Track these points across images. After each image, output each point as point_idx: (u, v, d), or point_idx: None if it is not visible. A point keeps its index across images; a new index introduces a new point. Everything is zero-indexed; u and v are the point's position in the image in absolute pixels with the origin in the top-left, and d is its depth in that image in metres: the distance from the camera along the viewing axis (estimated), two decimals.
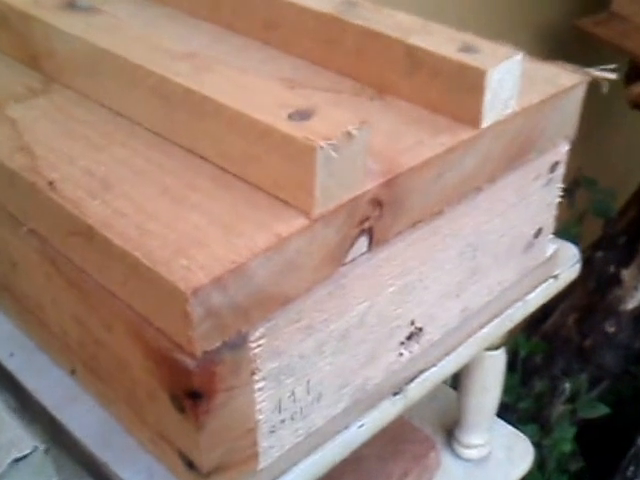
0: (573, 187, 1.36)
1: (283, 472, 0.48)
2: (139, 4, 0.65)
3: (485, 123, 0.48)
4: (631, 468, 1.29)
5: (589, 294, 1.42)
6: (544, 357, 1.42)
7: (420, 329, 0.53)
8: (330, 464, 0.50)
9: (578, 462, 1.33)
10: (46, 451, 0.44)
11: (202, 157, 0.46)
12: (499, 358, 0.71)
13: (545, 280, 0.63)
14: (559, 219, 0.62)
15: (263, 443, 0.45)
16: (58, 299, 0.50)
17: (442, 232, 0.50)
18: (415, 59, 0.49)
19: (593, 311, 1.42)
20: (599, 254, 1.42)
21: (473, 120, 0.48)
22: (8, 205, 0.50)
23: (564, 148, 0.57)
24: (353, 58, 0.53)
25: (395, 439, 0.74)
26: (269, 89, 0.44)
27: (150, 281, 0.39)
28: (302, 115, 0.41)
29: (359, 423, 0.52)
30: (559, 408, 1.33)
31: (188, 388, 0.40)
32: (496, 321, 0.60)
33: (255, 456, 0.45)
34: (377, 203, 0.44)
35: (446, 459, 0.76)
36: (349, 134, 0.40)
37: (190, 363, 0.39)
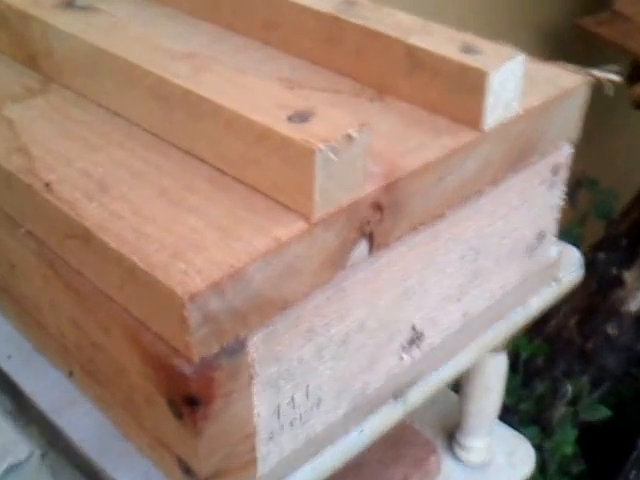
0: (575, 188, 1.35)
1: (282, 478, 0.47)
2: (138, 3, 0.65)
3: (487, 125, 0.48)
4: (633, 472, 1.29)
5: (591, 296, 1.41)
6: (545, 359, 1.41)
7: (421, 333, 0.53)
8: (330, 470, 0.50)
9: (579, 465, 1.32)
10: (42, 456, 0.44)
11: (200, 159, 0.45)
12: (501, 361, 0.70)
13: (548, 284, 0.63)
14: (561, 220, 0.61)
15: (262, 449, 0.45)
16: (55, 301, 0.50)
17: (443, 236, 0.50)
18: (415, 59, 0.49)
19: (595, 313, 1.41)
20: (601, 255, 1.41)
21: (474, 122, 0.48)
22: (5, 206, 0.49)
23: (567, 150, 0.56)
24: (353, 58, 0.52)
25: (396, 443, 0.74)
26: (268, 90, 0.44)
27: (147, 285, 0.38)
28: (301, 117, 0.41)
29: (359, 428, 0.51)
30: (560, 410, 1.32)
31: (185, 394, 0.39)
32: (498, 325, 0.60)
33: (254, 462, 0.45)
34: (377, 207, 0.43)
35: (447, 463, 0.76)
36: (349, 137, 0.40)
37: (187, 369, 0.38)
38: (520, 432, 0.79)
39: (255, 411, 0.43)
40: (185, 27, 0.60)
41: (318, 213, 0.40)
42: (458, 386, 0.74)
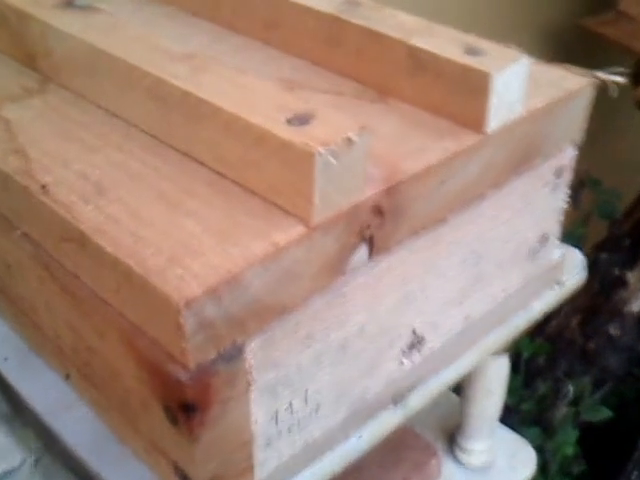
0: (578, 188, 1.34)
1: None
2: (139, 3, 0.64)
3: (490, 128, 0.47)
4: (635, 472, 1.28)
5: (593, 296, 1.41)
6: (547, 359, 1.41)
7: (422, 338, 0.52)
8: (329, 476, 0.49)
9: (580, 465, 1.32)
10: (36, 463, 0.43)
11: (199, 161, 0.45)
12: (502, 364, 0.70)
13: (550, 287, 0.62)
14: (564, 220, 0.60)
15: (259, 455, 0.44)
16: (51, 303, 0.49)
17: (445, 240, 0.49)
18: (418, 61, 0.48)
19: (597, 313, 1.41)
20: (604, 256, 1.41)
21: (477, 125, 0.47)
22: (1, 208, 0.49)
23: (571, 153, 0.56)
24: (355, 59, 0.52)
25: (396, 446, 0.73)
26: (268, 92, 0.43)
27: (142, 290, 0.37)
28: (301, 119, 0.40)
29: (358, 434, 0.51)
30: (562, 411, 1.32)
31: (181, 400, 0.39)
32: (500, 329, 0.59)
33: (251, 468, 0.44)
34: (378, 211, 0.43)
35: (447, 466, 0.75)
36: (349, 140, 0.39)
37: (183, 375, 0.38)
38: (521, 432, 0.79)
39: (252, 417, 0.42)
40: (185, 27, 0.60)
41: (317, 217, 0.40)
42: (459, 388, 0.73)
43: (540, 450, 1.16)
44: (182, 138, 0.45)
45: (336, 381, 0.47)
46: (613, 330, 1.39)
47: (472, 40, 0.48)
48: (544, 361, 1.41)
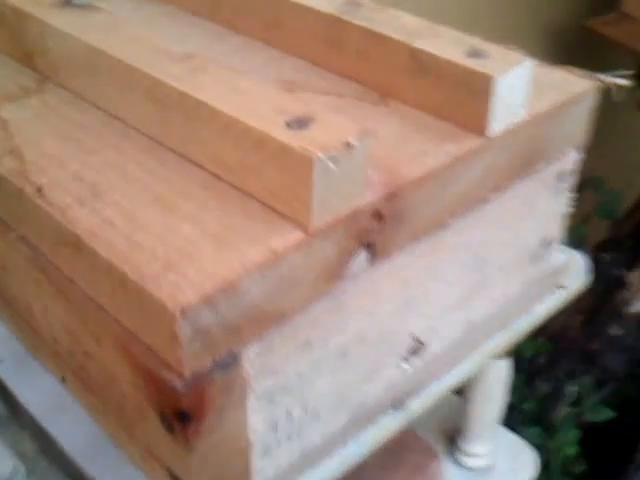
0: (580, 188, 1.34)
1: None
2: (139, 2, 0.63)
3: (492, 132, 0.46)
4: (637, 474, 1.28)
5: (595, 296, 1.40)
6: (549, 359, 1.40)
7: (422, 343, 0.52)
8: None
9: (581, 465, 1.32)
10: (29, 473, 0.43)
11: (196, 164, 0.44)
12: (504, 367, 0.69)
13: (552, 291, 0.62)
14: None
15: (257, 463, 0.44)
16: (48, 307, 0.48)
17: (446, 245, 0.49)
18: (420, 63, 0.47)
19: (599, 313, 1.40)
20: (605, 256, 1.40)
21: (480, 128, 0.46)
22: None
23: (574, 157, 0.55)
24: (356, 60, 0.51)
25: (397, 448, 0.73)
26: (267, 94, 0.42)
27: (137, 297, 0.37)
28: (300, 123, 0.39)
29: (358, 439, 0.50)
30: (563, 410, 1.31)
31: (177, 409, 0.38)
32: (501, 333, 0.59)
33: (248, 477, 0.44)
34: (378, 216, 0.42)
35: (448, 468, 0.75)
36: (349, 144, 0.38)
37: (178, 383, 0.37)
38: (522, 432, 0.78)
39: (250, 426, 0.42)
40: (185, 26, 0.59)
41: (316, 223, 0.39)
42: (460, 390, 0.72)
43: (541, 450, 1.16)
44: (180, 140, 0.44)
45: (335, 387, 0.47)
46: (614, 330, 1.39)
47: (475, 42, 0.48)
48: (545, 361, 1.41)
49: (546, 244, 0.58)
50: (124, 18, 0.51)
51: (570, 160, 0.55)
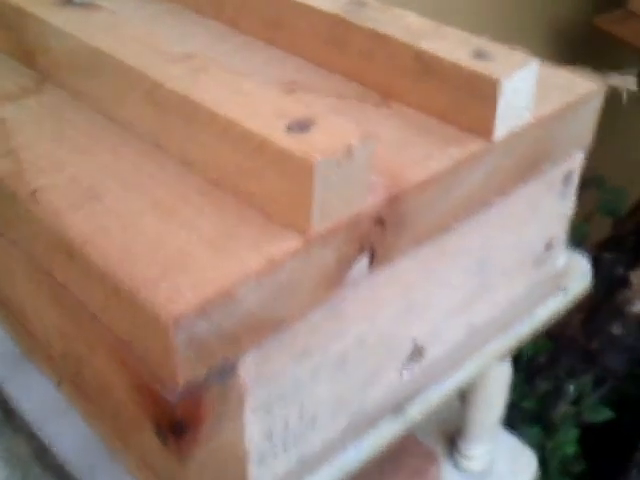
0: (582, 186, 1.33)
1: None
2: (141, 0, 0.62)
3: (497, 134, 0.45)
4: (635, 473, 1.28)
5: (596, 295, 1.39)
6: (549, 357, 1.40)
7: (423, 347, 0.51)
8: None
9: (580, 464, 1.31)
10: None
11: (195, 168, 0.43)
12: (505, 369, 0.68)
13: (555, 294, 0.61)
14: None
15: (253, 472, 0.43)
16: (42, 310, 0.48)
17: (449, 248, 0.48)
18: (424, 64, 0.46)
19: (599, 312, 1.40)
20: (607, 255, 1.39)
21: (484, 131, 0.45)
22: None
23: (579, 158, 0.54)
24: (359, 61, 0.50)
25: (396, 452, 0.72)
26: (267, 96, 0.41)
27: (131, 305, 0.36)
28: (301, 126, 0.38)
29: (357, 445, 0.49)
30: (563, 409, 1.31)
31: (171, 420, 0.37)
32: (503, 336, 0.58)
33: None
34: (379, 221, 0.41)
35: (447, 471, 0.74)
36: (350, 148, 0.37)
37: (173, 395, 0.36)
38: (522, 430, 0.78)
39: (246, 435, 0.41)
40: (187, 25, 0.58)
41: (316, 228, 0.38)
42: (461, 392, 0.72)
43: (540, 448, 1.16)
44: (178, 144, 0.43)
45: (334, 394, 0.46)
46: (615, 330, 1.39)
47: (481, 43, 0.47)
48: (545, 359, 1.40)
49: (549, 247, 0.57)
50: (125, 17, 0.50)
51: (576, 162, 0.54)
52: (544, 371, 1.39)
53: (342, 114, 0.47)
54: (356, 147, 0.38)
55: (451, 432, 0.76)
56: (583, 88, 0.51)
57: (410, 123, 0.47)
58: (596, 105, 0.52)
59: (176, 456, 0.38)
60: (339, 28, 0.50)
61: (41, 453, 0.50)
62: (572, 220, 0.59)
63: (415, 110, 0.48)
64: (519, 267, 0.56)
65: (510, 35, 0.49)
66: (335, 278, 0.40)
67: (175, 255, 0.37)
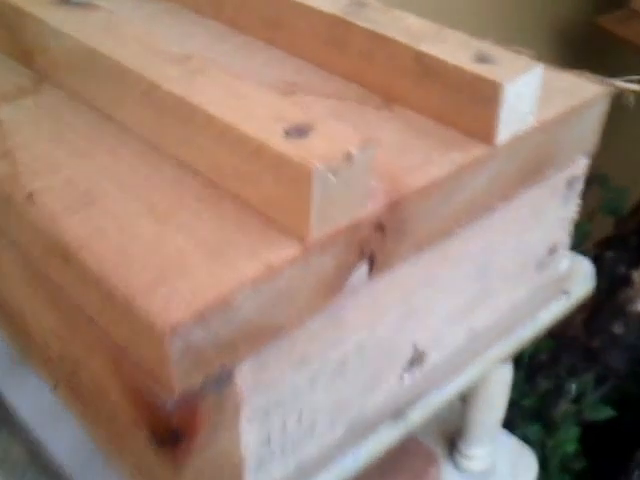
0: (585, 185, 1.32)
1: None
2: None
3: (500, 139, 0.45)
4: (637, 472, 1.27)
5: (598, 294, 1.39)
6: (550, 356, 1.40)
7: (423, 353, 0.50)
8: None
9: (581, 462, 1.31)
10: None
11: (193, 171, 0.42)
12: (506, 371, 0.68)
13: (557, 297, 0.60)
14: None
15: (251, 478, 0.42)
16: (40, 313, 0.47)
17: (450, 254, 0.47)
18: (425, 67, 0.45)
19: (601, 311, 1.39)
20: (609, 254, 1.39)
21: (487, 136, 0.44)
22: None
23: (583, 163, 0.53)
24: (359, 63, 0.49)
25: (396, 452, 0.71)
26: (266, 99, 0.41)
27: (126, 311, 0.35)
28: (299, 131, 0.38)
29: (356, 451, 0.49)
30: (564, 407, 1.31)
31: (167, 428, 0.37)
32: (504, 340, 0.57)
33: None
34: (379, 227, 0.40)
35: (448, 472, 0.74)
36: (350, 155, 0.37)
37: (168, 402, 0.35)
38: (522, 428, 0.78)
39: (243, 442, 0.40)
40: (186, 25, 0.57)
41: (315, 235, 0.37)
42: (462, 394, 0.71)
43: (541, 447, 1.15)
44: (176, 146, 0.43)
45: (333, 400, 0.45)
46: (617, 328, 1.38)
47: (483, 46, 0.46)
48: (547, 358, 1.40)
49: (552, 251, 0.57)
50: (123, 17, 0.49)
51: (580, 167, 0.53)
52: (545, 369, 1.39)
53: (342, 117, 0.46)
54: (355, 153, 0.37)
55: (452, 433, 0.76)
56: (588, 92, 0.50)
57: (411, 127, 0.46)
58: (601, 109, 0.51)
59: (171, 464, 0.38)
60: (339, 29, 0.49)
61: (37, 456, 0.49)
62: (575, 219, 0.58)
63: (417, 113, 0.47)
64: (521, 272, 0.55)
65: (511, 35, 0.49)
66: (334, 285, 0.40)
67: (172, 261, 0.36)
